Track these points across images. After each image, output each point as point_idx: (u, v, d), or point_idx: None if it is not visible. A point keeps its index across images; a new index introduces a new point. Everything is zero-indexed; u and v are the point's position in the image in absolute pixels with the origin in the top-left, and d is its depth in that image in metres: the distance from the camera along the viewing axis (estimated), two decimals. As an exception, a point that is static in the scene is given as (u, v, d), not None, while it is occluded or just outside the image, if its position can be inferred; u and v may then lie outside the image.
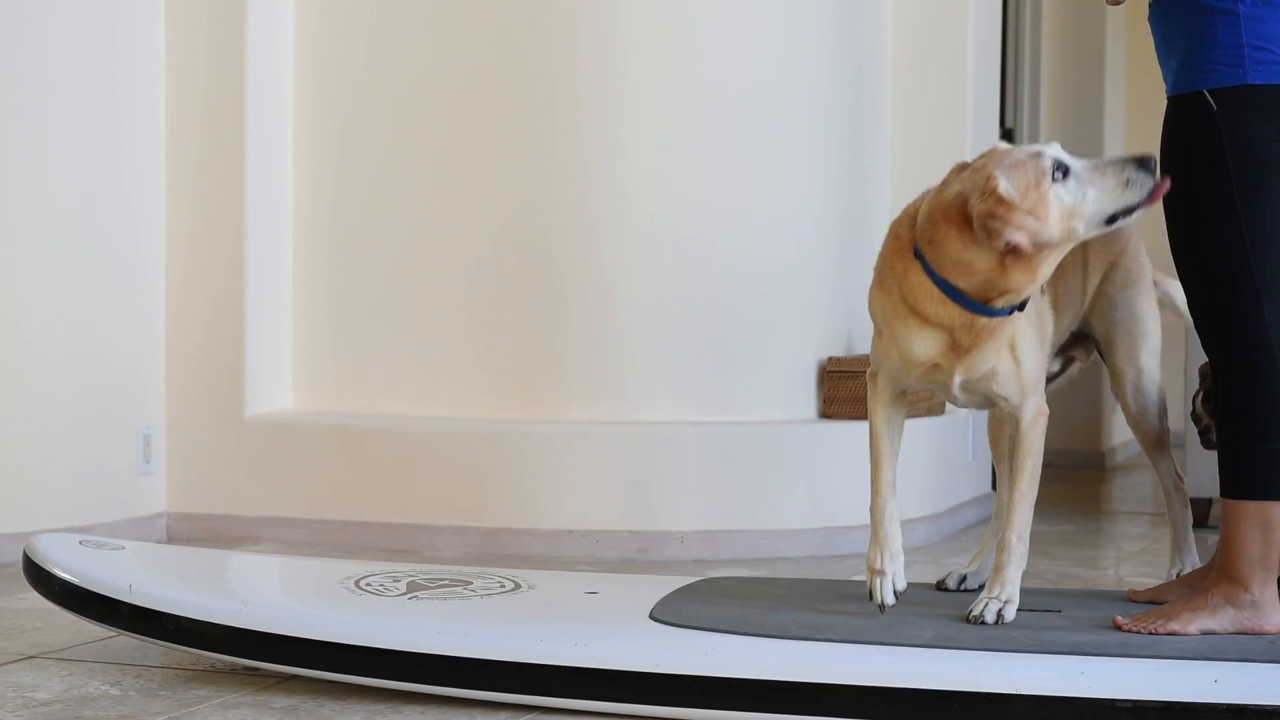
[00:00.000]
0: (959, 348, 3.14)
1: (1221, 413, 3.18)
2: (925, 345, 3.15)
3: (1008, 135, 7.56)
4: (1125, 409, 3.60)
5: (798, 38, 5.44)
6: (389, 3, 5.56)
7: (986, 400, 3.29)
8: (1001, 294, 3.08)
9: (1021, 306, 3.14)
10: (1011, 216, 2.97)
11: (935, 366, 3.19)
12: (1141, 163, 3.02)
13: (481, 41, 5.43)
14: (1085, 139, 8.31)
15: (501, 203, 5.41)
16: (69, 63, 5.12)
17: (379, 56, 5.58)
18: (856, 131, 5.67)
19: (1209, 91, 3.13)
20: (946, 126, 6.00)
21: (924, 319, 3.13)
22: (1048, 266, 3.08)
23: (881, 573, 3.22)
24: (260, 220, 5.55)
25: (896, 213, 5.86)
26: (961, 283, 3.07)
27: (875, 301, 3.24)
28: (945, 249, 3.06)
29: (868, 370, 3.34)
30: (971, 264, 3.04)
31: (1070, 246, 3.10)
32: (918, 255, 3.11)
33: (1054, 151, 3.03)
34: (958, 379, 3.20)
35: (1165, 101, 3.28)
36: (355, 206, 5.62)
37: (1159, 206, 3.23)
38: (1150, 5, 3.29)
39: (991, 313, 3.11)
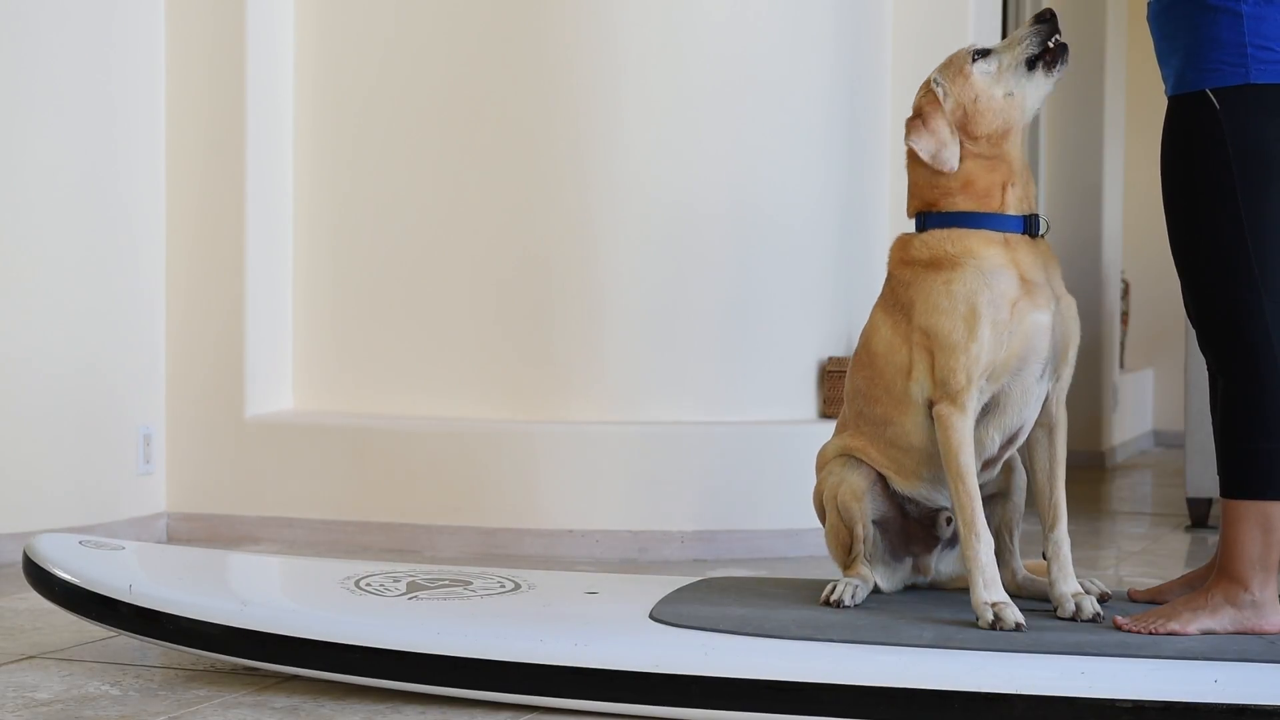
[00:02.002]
0: (1028, 278, 3.26)
1: (1221, 412, 3.18)
2: (1003, 280, 3.25)
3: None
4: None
5: (797, 39, 5.44)
6: (388, 2, 5.55)
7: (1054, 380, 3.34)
8: (1000, 184, 3.29)
9: (1036, 226, 3.32)
10: (932, 109, 3.32)
11: (1025, 303, 3.24)
12: (1038, 18, 3.34)
13: (479, 41, 5.43)
14: (1085, 139, 8.31)
15: (500, 202, 5.41)
16: (67, 63, 5.12)
17: (378, 55, 5.57)
18: (856, 132, 5.66)
19: (1211, 91, 3.13)
20: (946, 126, 5.99)
21: (979, 256, 3.26)
22: (1012, 141, 3.31)
23: (1005, 604, 3.18)
24: (260, 221, 5.54)
25: (897, 212, 5.88)
26: (967, 200, 3.30)
27: (950, 300, 3.26)
28: (933, 182, 3.32)
29: (939, 408, 3.26)
30: (953, 173, 3.29)
31: (1015, 108, 3.30)
32: (924, 226, 3.34)
33: (970, 45, 3.40)
34: (1052, 305, 3.27)
35: (1165, 101, 3.27)
36: (355, 206, 5.62)
37: (1161, 203, 3.27)
38: (1149, 5, 3.28)
39: (1015, 222, 3.29)
